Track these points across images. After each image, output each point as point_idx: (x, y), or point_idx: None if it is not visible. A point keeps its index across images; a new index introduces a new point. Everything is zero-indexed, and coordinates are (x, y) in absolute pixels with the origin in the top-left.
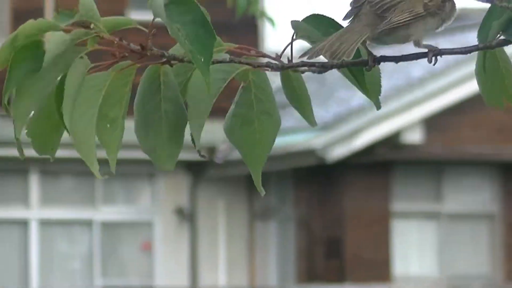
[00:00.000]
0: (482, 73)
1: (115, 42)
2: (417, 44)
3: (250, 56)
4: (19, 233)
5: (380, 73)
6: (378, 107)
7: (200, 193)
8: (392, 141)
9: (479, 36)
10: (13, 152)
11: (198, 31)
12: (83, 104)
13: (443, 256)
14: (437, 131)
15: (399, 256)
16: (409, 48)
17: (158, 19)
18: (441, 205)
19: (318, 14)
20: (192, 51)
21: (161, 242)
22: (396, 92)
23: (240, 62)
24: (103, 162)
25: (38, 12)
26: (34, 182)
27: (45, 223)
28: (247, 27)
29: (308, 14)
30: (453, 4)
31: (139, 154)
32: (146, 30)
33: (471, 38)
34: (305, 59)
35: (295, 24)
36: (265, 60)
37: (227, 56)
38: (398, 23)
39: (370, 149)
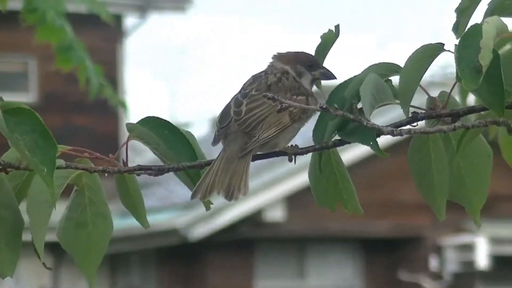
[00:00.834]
0: (318, 173)
1: None
2: (281, 148)
3: (83, 159)
4: None
5: None
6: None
7: (62, 274)
8: (254, 219)
9: (314, 136)
10: None
11: (37, 141)
12: None
13: None
14: (299, 208)
15: None
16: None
17: None
18: (304, 282)
19: (152, 116)
20: (35, 162)
21: None
22: (256, 170)
23: (76, 168)
24: None
25: None
26: None
27: None
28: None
29: (143, 116)
30: (316, 99)
31: None
32: None
33: None
34: (190, 198)
35: (129, 126)
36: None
37: (62, 162)
38: (269, 138)
39: (232, 228)
